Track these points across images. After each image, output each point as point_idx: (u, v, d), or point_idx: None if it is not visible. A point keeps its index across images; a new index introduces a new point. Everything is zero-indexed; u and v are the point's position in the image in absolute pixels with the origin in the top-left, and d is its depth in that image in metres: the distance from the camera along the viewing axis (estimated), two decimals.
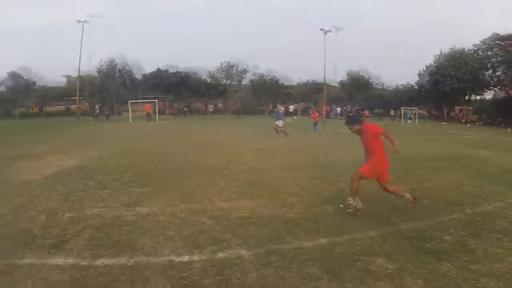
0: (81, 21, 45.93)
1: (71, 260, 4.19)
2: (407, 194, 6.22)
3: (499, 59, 44.56)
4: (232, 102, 57.52)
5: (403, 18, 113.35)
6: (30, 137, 20.47)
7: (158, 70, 54.61)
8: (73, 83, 49.98)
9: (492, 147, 17.04)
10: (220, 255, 4.41)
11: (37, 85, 53.69)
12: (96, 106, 41.52)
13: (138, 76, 55.56)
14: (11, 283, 3.71)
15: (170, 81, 52.85)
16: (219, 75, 61.78)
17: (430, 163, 11.40)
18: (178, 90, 53.78)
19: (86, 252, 4.44)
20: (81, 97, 48.43)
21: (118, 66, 53.24)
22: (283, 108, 48.53)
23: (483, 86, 47.88)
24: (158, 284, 3.70)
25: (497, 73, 46.58)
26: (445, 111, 51.07)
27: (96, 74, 52.63)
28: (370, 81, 59.30)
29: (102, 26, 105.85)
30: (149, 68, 55.74)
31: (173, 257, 4.33)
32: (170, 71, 54.79)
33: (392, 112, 49.99)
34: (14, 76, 51.27)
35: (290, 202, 6.64)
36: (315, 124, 23.29)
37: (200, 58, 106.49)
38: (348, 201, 5.93)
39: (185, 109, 50.28)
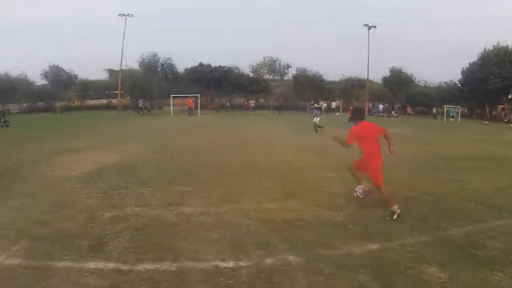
0: (124, 15, 47.18)
1: (111, 264, 4.11)
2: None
3: None
4: (274, 97, 57.26)
5: (448, 14, 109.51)
6: (71, 131, 21.27)
7: (200, 64, 55.19)
8: (115, 77, 51.48)
9: None
10: (268, 260, 4.27)
11: (78, 78, 55.74)
12: (140, 100, 42.42)
13: (180, 70, 56.43)
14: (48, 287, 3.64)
15: (212, 76, 53.24)
16: (261, 70, 61.59)
17: (474, 163, 11.21)
18: (220, 85, 54.13)
19: (127, 255, 4.36)
20: (122, 91, 49.80)
21: (160, 60, 54.26)
22: (325, 104, 48.13)
23: None
24: None
25: None
26: (487, 110, 49.89)
27: (138, 68, 53.92)
28: (413, 78, 57.80)
29: (143, 21, 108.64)
30: (190, 63, 56.60)
31: (218, 263, 4.19)
32: (212, 65, 55.26)
33: (434, 110, 48.87)
34: (55, 69, 53.43)
35: (338, 204, 6.51)
36: (350, 119, 22.56)
37: (240, 54, 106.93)
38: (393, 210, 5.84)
39: (227, 103, 50.53)
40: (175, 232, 5.09)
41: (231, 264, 4.16)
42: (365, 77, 53.37)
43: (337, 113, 43.49)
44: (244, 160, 10.86)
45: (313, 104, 31.07)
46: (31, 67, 66.09)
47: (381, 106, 48.66)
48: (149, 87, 49.12)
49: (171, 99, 41.53)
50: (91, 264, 4.08)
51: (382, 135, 6.40)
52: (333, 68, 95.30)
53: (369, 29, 50.01)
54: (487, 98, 47.48)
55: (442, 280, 3.84)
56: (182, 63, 57.15)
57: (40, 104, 51.15)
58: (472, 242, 4.84)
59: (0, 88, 45.92)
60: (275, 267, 4.08)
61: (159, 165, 9.99)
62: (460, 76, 52.11)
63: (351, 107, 24.78)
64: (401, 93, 55.55)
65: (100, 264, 4.08)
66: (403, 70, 56.04)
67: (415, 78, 58.02)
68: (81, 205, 6.31)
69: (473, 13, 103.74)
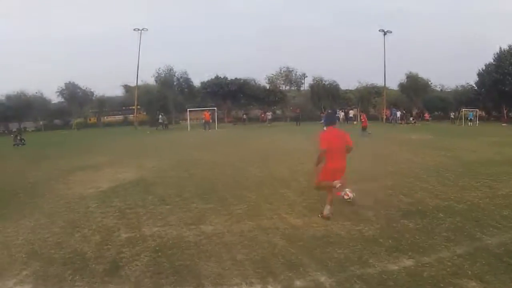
0: (139, 29, 47.79)
1: None
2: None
3: None
4: (291, 108, 57.12)
5: (462, 15, 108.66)
6: (87, 148, 21.40)
7: (217, 77, 55.46)
8: (131, 93, 52.05)
9: None
10: (298, 282, 4.05)
11: (94, 95, 56.54)
12: (160, 115, 42.62)
13: (196, 83, 56.79)
14: None
15: (229, 88, 53.41)
16: (278, 81, 61.63)
17: (498, 168, 10.86)
18: (236, 97, 54.24)
19: (145, 280, 4.15)
20: (139, 107, 50.24)
21: (176, 74, 54.70)
22: (342, 113, 47.82)
23: None
24: None
25: None
26: (504, 111, 49.46)
27: (154, 83, 54.41)
28: (429, 82, 57.60)
29: (158, 36, 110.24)
30: (206, 74, 57.00)
31: (244, 286, 3.98)
32: (229, 78, 55.48)
33: (452, 115, 48.86)
34: (71, 86, 54.33)
35: (367, 217, 6.25)
36: (364, 129, 24.77)
37: (256, 64, 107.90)
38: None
39: (244, 116, 50.52)
40: (196, 253, 4.85)
41: (258, 287, 3.95)
42: (381, 83, 53.64)
43: (355, 122, 43.34)
44: (264, 173, 10.59)
45: (323, 113, 31.13)
46: (47, 85, 67.64)
47: (398, 113, 48.25)
48: (165, 101, 49.41)
49: (187, 113, 41.59)
50: None
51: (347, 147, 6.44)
52: (349, 75, 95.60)
53: (384, 34, 49.99)
54: (504, 99, 47.42)
55: None
56: (198, 75, 57.72)
57: (57, 121, 52.06)
58: (510, 252, 4.67)
59: (17, 106, 46.96)
60: None
61: (176, 181, 9.80)
62: (476, 78, 52.51)
63: (363, 116, 26.93)
64: (418, 99, 55.51)
65: None
66: (419, 75, 56.06)
67: (431, 83, 57.98)
68: (96, 225, 6.15)
69: (486, 11, 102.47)
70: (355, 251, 4.79)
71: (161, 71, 53.74)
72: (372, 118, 50.78)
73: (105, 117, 56.02)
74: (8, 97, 48.79)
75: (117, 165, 12.97)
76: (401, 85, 57.28)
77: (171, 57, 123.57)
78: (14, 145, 25.63)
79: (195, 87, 56.10)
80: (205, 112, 39.72)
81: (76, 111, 52.96)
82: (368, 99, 56.48)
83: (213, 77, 55.15)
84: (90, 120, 54.70)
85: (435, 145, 17.98)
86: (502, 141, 20.09)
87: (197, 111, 42.98)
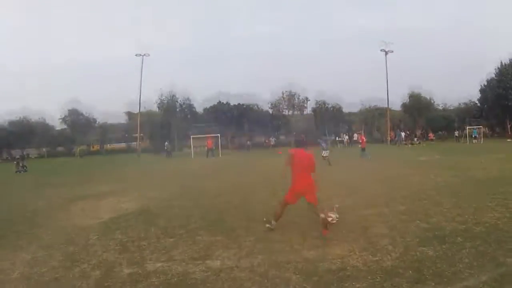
0: (140, 54, 48.41)
1: None
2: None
3: None
4: (294, 133, 57.25)
5: (461, 31, 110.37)
6: (89, 176, 21.18)
7: (219, 103, 55.74)
8: (134, 120, 52.17)
9: None
10: None
11: (97, 122, 56.73)
12: (166, 143, 42.52)
13: (199, 109, 57.02)
14: None
15: (232, 114, 53.57)
16: (280, 105, 62.04)
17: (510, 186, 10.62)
18: (239, 123, 54.32)
19: None
20: (141, 134, 50.24)
21: (179, 100, 54.96)
22: (346, 137, 47.80)
23: None
24: None
25: None
26: (508, 126, 50.13)
27: (157, 110, 54.60)
28: (432, 101, 57.92)
29: (160, 59, 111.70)
30: (208, 97, 57.41)
31: None
32: (231, 103, 55.73)
33: (456, 133, 49.51)
34: (74, 113, 54.61)
35: (383, 246, 5.90)
36: (363, 150, 25.95)
37: (258, 88, 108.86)
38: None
39: (248, 142, 50.39)
40: None
41: None
42: (383, 104, 53.81)
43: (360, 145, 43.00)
44: (272, 202, 10.15)
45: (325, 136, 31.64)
46: (50, 111, 68.17)
47: (403, 134, 48.34)
48: (168, 128, 49.45)
49: (191, 140, 41.47)
50: None
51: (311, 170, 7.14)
52: (350, 95, 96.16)
53: (386, 54, 50.09)
54: (507, 114, 48.14)
55: None
56: (200, 97, 58.02)
57: (60, 148, 52.13)
58: None
59: (19, 132, 47.08)
60: None
61: (181, 211, 9.46)
62: (478, 94, 53.74)
63: (361, 137, 29.61)
64: (421, 118, 56.01)
65: None
66: (422, 94, 56.44)
67: (434, 101, 58.37)
68: (97, 260, 5.82)
69: (488, 26, 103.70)
70: (375, 285, 4.47)
71: (163, 97, 54.06)
72: (377, 141, 50.74)
73: (108, 145, 56.06)
74: (11, 123, 48.99)
75: (119, 195, 12.68)
76: (404, 105, 57.80)
77: (173, 77, 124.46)
78: (16, 171, 25.49)
79: (197, 113, 56.30)
80: (208, 140, 39.70)
81: (79, 138, 53.07)
82: (372, 122, 56.52)
83: (215, 102, 55.57)
84: (93, 147, 54.77)
85: (444, 165, 17.91)
86: (509, 157, 20.13)
87: (200, 138, 42.91)
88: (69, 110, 54.46)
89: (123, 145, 56.20)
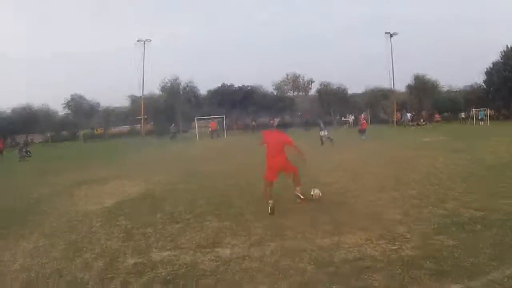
0: (142, 40, 48.20)
1: None
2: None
3: None
4: (299, 114, 56.80)
5: (467, 12, 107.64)
6: (93, 160, 20.99)
7: (223, 85, 55.24)
8: (137, 104, 51.82)
9: None
10: None
11: (101, 106, 56.44)
12: (172, 125, 42.35)
13: (203, 91, 56.53)
14: None
15: (236, 96, 53.10)
16: (285, 87, 61.47)
17: None
18: (244, 105, 53.83)
19: None
20: (145, 117, 50.01)
21: (182, 83, 54.44)
22: (352, 117, 47.45)
23: None
24: None
25: None
26: None
27: (160, 93, 54.16)
28: (437, 83, 57.16)
29: (162, 45, 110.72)
30: (212, 82, 57.01)
31: None
32: (235, 85, 55.27)
33: (462, 115, 49.63)
34: (77, 98, 54.31)
35: (399, 234, 5.58)
36: (363, 131, 26.32)
37: (262, 71, 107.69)
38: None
39: (253, 123, 49.98)
40: (214, 284, 4.24)
41: None
42: (387, 85, 53.17)
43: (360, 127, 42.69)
44: (280, 184, 9.82)
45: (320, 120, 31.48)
46: (53, 98, 68.07)
47: (409, 115, 47.93)
48: (172, 111, 49.14)
49: (196, 122, 41.20)
50: None
51: (289, 145, 7.76)
52: (354, 78, 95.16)
53: (391, 36, 49.42)
54: None
55: None
56: (203, 82, 57.63)
57: (64, 133, 52.03)
58: None
59: (23, 119, 46.90)
60: None
61: (187, 195, 9.18)
62: (483, 77, 53.22)
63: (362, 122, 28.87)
64: (427, 100, 55.16)
65: None
66: (427, 76, 55.96)
67: (439, 83, 57.67)
68: (100, 249, 5.57)
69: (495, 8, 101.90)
70: (394, 277, 4.15)
71: (166, 81, 53.59)
72: (383, 122, 50.34)
73: (112, 128, 55.89)
74: (14, 110, 48.85)
75: (123, 179, 12.47)
76: (409, 87, 57.03)
77: (176, 65, 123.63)
78: (20, 157, 25.34)
79: (201, 95, 55.83)
80: (212, 122, 39.43)
81: (82, 123, 52.90)
82: (377, 103, 55.98)
83: (219, 85, 55.02)
84: (96, 131, 54.65)
85: (452, 147, 17.50)
86: None
87: (205, 120, 42.64)
88: (72, 95, 54.19)
89: (127, 128, 55.91)
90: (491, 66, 50.97)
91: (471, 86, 56.40)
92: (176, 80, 53.84)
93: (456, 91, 58.32)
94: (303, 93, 64.01)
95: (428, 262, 4.49)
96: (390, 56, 49.26)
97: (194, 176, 12.37)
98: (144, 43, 48.13)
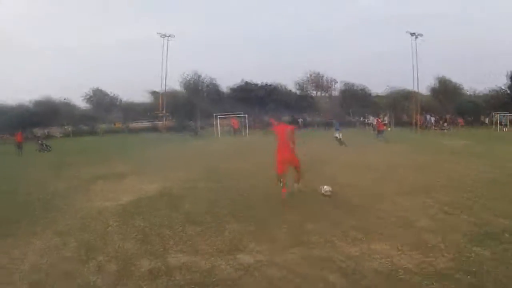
0: (165, 35, 48.38)
1: None
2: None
3: None
4: (321, 114, 56.33)
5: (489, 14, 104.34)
6: (111, 155, 20.91)
7: (245, 82, 55.10)
8: (158, 99, 52.03)
9: None
10: None
11: (121, 101, 56.91)
12: (192, 122, 42.49)
13: (223, 89, 56.52)
14: None
15: (258, 94, 52.89)
16: (308, 86, 60.98)
17: None
18: (265, 103, 53.53)
19: None
20: (166, 113, 50.17)
21: (204, 80, 54.46)
22: (376, 119, 46.77)
23: None
24: None
25: None
26: None
27: (181, 89, 54.31)
28: (461, 86, 56.26)
29: (185, 40, 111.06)
30: (233, 79, 56.88)
31: None
32: (257, 83, 55.10)
33: (486, 120, 49.43)
34: (98, 92, 54.95)
35: (433, 244, 5.23)
36: (380, 132, 26.29)
37: (284, 69, 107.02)
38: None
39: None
40: None
41: None
42: (409, 87, 52.07)
43: (389, 129, 42.25)
44: (305, 186, 9.44)
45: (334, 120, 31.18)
46: (74, 91, 68.95)
47: (433, 119, 47.00)
48: (193, 108, 49.21)
49: (217, 119, 41.04)
50: None
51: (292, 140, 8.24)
52: (377, 79, 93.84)
53: (416, 37, 48.11)
54: None
55: None
56: (225, 80, 57.56)
57: (83, 127, 52.60)
58: None
59: (43, 112, 47.52)
60: None
61: (207, 195, 8.88)
62: (505, 81, 53.01)
63: (379, 120, 29.91)
64: (450, 104, 54.17)
65: None
66: (449, 79, 55.25)
67: (462, 86, 56.78)
68: (114, 250, 5.31)
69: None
70: None
71: (186, 76, 53.66)
72: (405, 124, 49.54)
73: (132, 123, 56.28)
74: (35, 103, 49.50)
75: (140, 175, 12.28)
76: (433, 89, 56.24)
77: (197, 63, 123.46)
78: (38, 150, 25.55)
79: (223, 93, 55.76)
80: (233, 119, 39.19)
81: (102, 117, 53.41)
82: (399, 105, 55.11)
83: (240, 82, 54.94)
84: (115, 125, 55.11)
85: (478, 153, 16.97)
86: None
87: (226, 117, 42.48)
88: (93, 89, 55.01)
89: (147, 123, 56.25)
90: None
91: (495, 91, 55.34)
92: (199, 77, 53.94)
93: (480, 96, 57.44)
94: (326, 93, 63.30)
95: (467, 276, 4.16)
96: (413, 57, 48.06)
97: (216, 174, 12.08)
98: (167, 39, 48.32)
